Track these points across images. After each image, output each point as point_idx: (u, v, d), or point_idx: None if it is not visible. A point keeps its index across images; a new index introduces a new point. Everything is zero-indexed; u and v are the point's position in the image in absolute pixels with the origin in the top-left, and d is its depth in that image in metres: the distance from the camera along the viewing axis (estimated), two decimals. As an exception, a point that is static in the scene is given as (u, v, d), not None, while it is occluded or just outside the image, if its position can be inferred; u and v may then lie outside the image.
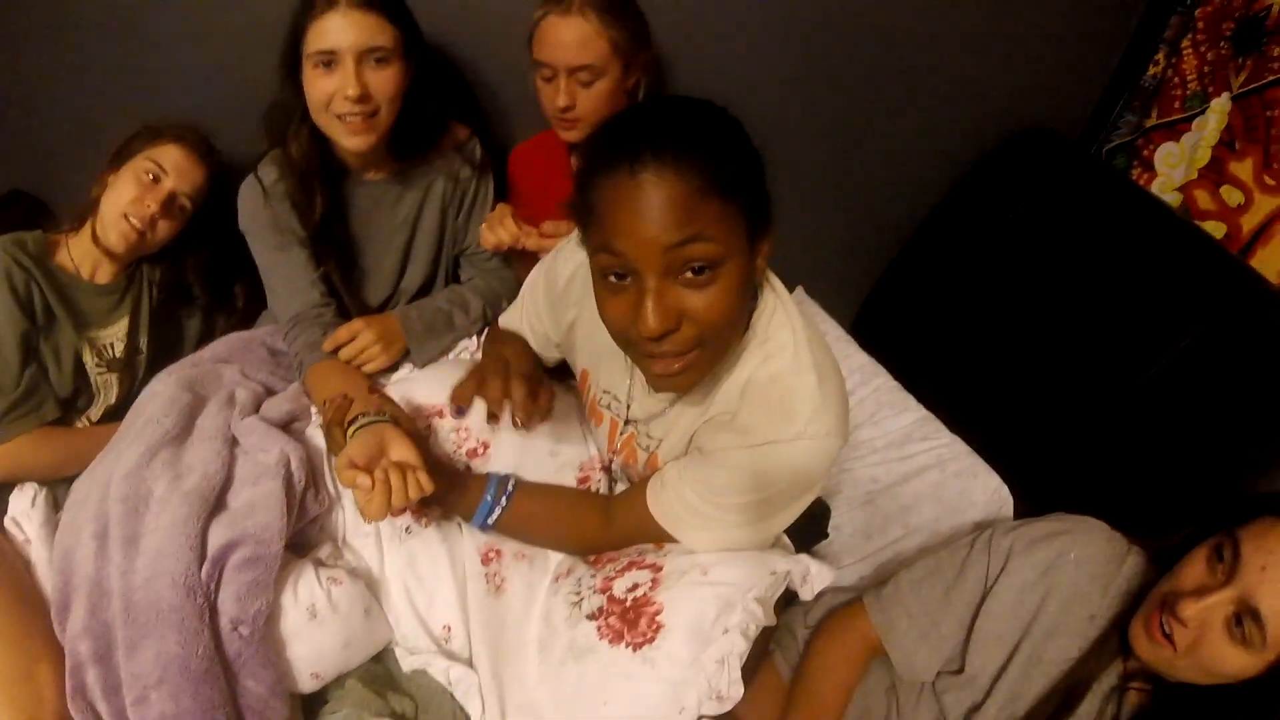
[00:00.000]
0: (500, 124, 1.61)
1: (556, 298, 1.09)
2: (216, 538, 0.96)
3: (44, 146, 1.59)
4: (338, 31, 1.15)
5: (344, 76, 1.16)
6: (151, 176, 1.29)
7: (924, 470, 1.40)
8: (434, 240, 1.41)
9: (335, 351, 1.25)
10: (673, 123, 0.79)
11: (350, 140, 1.21)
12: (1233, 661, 0.83)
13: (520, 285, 1.23)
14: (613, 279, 0.80)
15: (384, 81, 1.19)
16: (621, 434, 1.07)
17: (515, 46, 1.36)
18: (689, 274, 0.77)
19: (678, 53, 1.57)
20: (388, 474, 0.90)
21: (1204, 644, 0.84)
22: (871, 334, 1.81)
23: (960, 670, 1.01)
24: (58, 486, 1.19)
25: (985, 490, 1.35)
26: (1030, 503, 1.34)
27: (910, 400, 1.54)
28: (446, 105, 1.38)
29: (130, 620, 0.91)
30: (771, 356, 0.90)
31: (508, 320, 1.22)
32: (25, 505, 1.13)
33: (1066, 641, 0.95)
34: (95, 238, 1.29)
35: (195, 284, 1.44)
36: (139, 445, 1.05)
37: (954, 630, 1.00)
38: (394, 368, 1.31)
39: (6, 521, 1.12)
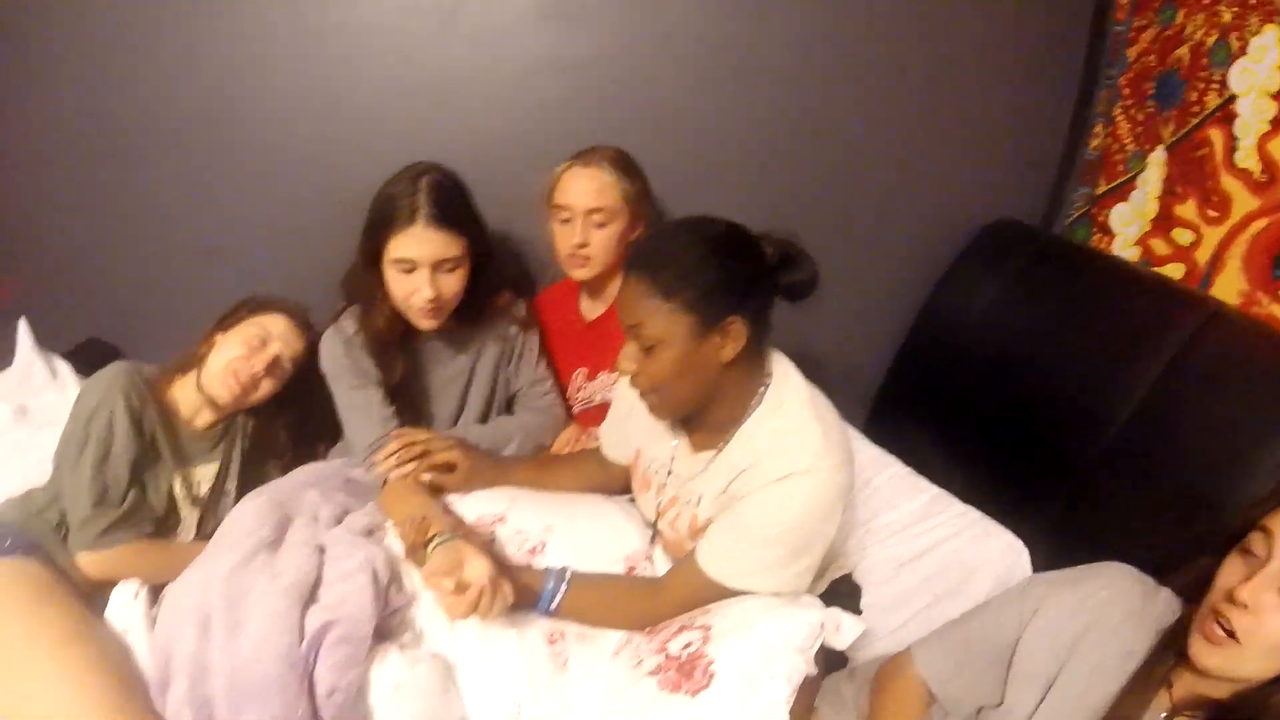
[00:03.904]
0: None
1: (622, 396, 1.36)
2: (313, 622, 1.08)
3: (119, 300, 1.84)
4: (416, 246, 1.36)
5: (420, 281, 1.39)
6: (260, 340, 1.47)
7: (942, 542, 1.50)
8: (487, 388, 1.63)
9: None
10: (646, 247, 1.13)
11: (424, 324, 1.45)
12: None
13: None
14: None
15: (453, 282, 1.42)
16: (666, 494, 1.26)
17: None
18: (642, 346, 1.08)
19: (671, 201, 1.82)
20: (480, 590, 1.07)
21: (1264, 624, 0.86)
22: (885, 428, 1.96)
23: (1000, 704, 1.07)
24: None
25: (1001, 545, 1.44)
26: (1045, 556, 1.43)
27: (923, 482, 1.65)
28: (500, 278, 1.60)
29: (235, 688, 1.01)
30: (787, 416, 1.14)
31: (603, 428, 1.46)
32: (128, 598, 1.23)
33: (1105, 679, 0.97)
34: (200, 387, 1.46)
35: (284, 438, 1.59)
36: (236, 552, 1.18)
37: (991, 663, 1.05)
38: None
39: (108, 612, 1.22)
